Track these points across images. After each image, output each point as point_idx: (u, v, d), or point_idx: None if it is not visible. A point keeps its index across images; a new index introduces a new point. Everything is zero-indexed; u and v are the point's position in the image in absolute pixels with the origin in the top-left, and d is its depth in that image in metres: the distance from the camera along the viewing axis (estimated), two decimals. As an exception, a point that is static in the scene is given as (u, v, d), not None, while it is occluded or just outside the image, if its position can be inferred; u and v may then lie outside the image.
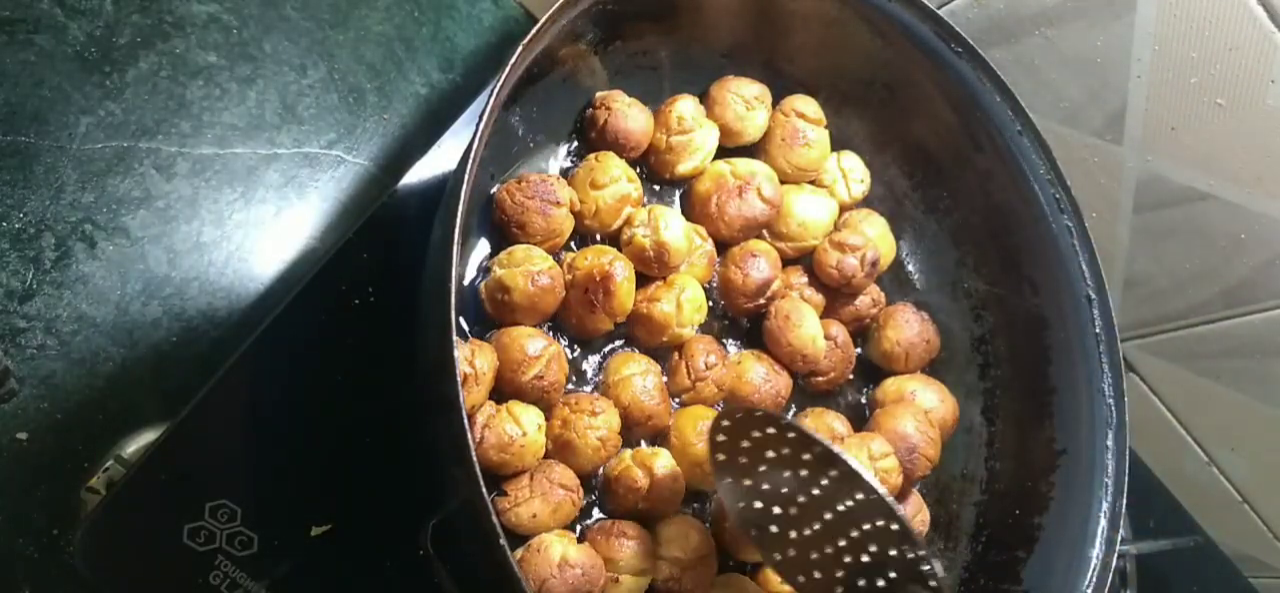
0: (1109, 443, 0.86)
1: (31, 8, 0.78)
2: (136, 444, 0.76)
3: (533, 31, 0.69)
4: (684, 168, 0.86)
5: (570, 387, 0.79)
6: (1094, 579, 0.82)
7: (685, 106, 0.86)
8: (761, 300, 0.86)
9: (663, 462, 0.77)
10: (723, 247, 0.88)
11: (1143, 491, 1.16)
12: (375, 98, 0.95)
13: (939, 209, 0.97)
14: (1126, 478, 0.85)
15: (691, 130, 0.85)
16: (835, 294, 0.91)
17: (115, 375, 0.77)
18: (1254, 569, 1.21)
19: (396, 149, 0.95)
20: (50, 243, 0.76)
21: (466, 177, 0.64)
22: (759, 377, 0.84)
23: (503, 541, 0.58)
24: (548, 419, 0.75)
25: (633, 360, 0.80)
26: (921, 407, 0.89)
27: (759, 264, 0.85)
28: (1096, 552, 0.84)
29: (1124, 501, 0.84)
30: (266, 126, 0.88)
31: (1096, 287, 0.89)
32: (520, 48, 0.68)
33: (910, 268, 0.99)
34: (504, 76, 0.66)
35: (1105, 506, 0.85)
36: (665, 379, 0.82)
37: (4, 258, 0.74)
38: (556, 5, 0.71)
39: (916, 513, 0.88)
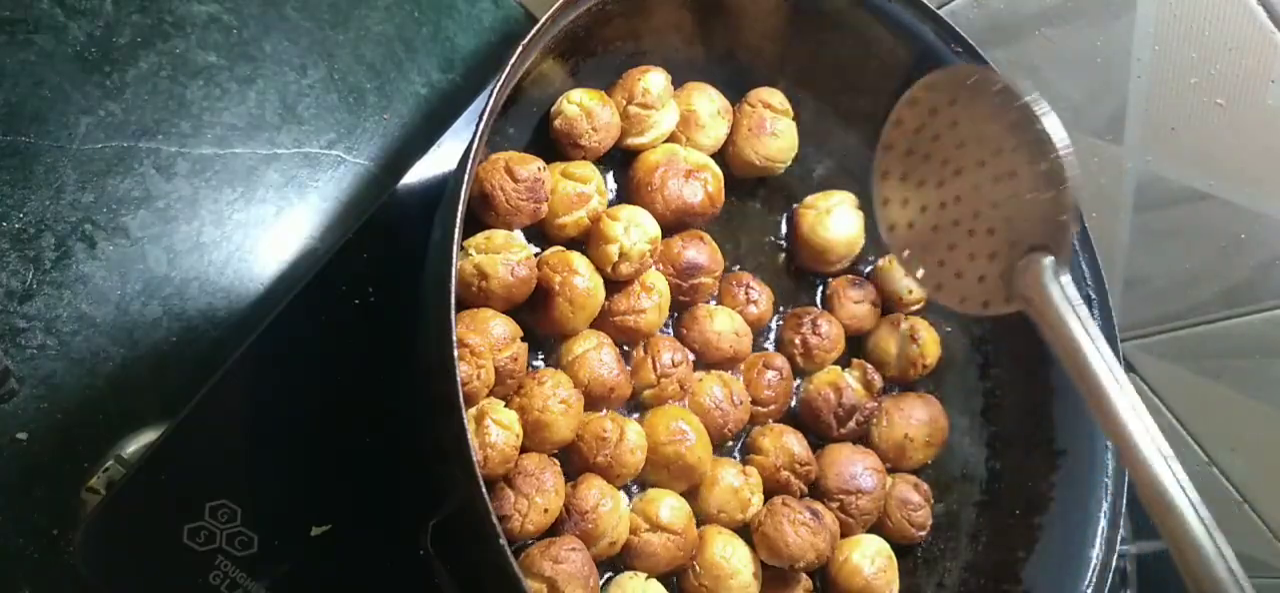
0: (1109, 443, 0.86)
1: (31, 8, 0.78)
2: (136, 444, 0.76)
3: (533, 31, 0.69)
4: (635, 141, 0.85)
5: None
6: (1094, 579, 0.82)
7: (655, 80, 0.84)
8: (684, 284, 0.84)
9: (633, 428, 0.77)
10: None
11: (1143, 491, 1.16)
12: (375, 98, 0.94)
13: (939, 209, 0.97)
14: (1127, 478, 0.85)
15: (654, 107, 0.84)
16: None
17: (115, 375, 0.77)
18: (1254, 569, 1.21)
19: (396, 149, 0.95)
20: (50, 243, 0.76)
21: (466, 177, 0.64)
22: (715, 398, 0.83)
23: (502, 540, 0.58)
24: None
25: (580, 339, 0.79)
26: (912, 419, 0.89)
27: (699, 248, 0.84)
28: (1096, 552, 0.84)
29: (1124, 501, 0.84)
30: (266, 126, 0.88)
31: (1096, 287, 0.89)
32: (520, 48, 0.68)
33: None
34: (504, 76, 0.66)
35: (1105, 506, 0.85)
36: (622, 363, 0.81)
37: (4, 258, 0.74)
38: (556, 5, 0.71)
39: (921, 509, 0.88)
